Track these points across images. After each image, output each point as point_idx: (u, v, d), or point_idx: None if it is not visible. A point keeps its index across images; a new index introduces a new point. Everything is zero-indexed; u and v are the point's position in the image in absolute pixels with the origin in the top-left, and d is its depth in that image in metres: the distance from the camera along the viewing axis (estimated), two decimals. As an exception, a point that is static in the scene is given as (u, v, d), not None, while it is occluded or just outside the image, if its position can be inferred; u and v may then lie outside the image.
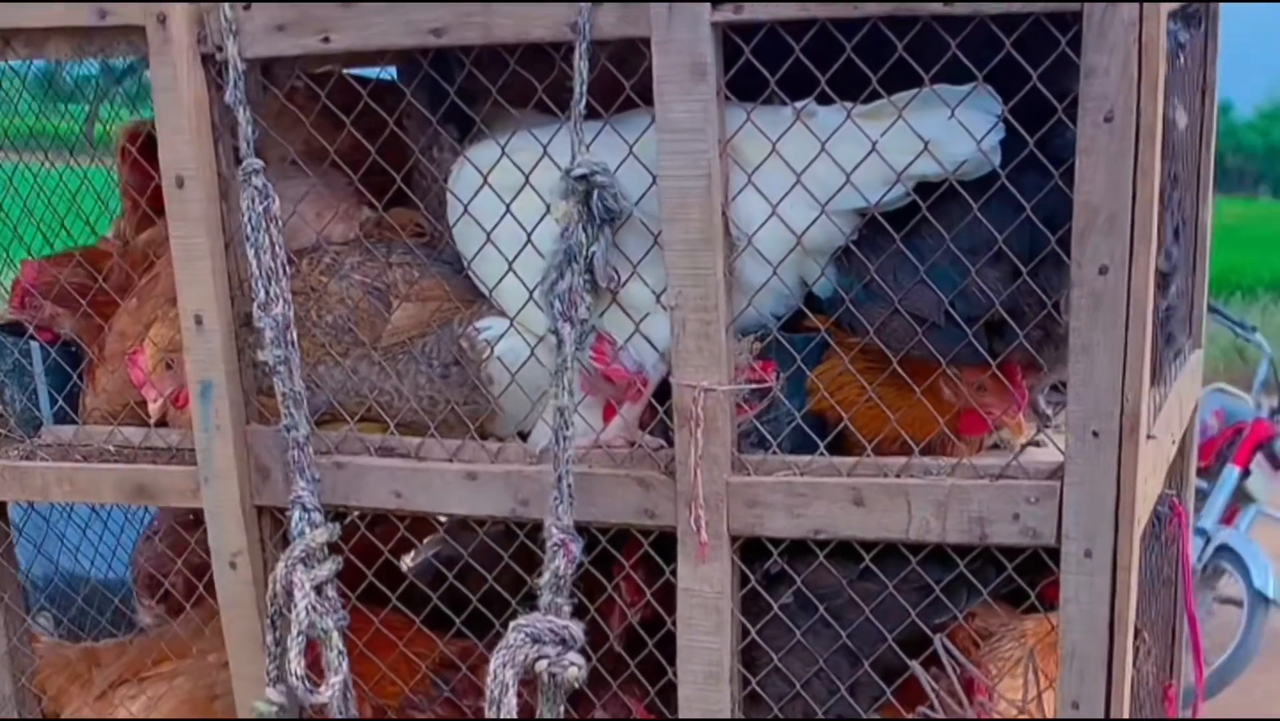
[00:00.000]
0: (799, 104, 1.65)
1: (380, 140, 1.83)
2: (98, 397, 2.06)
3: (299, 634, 1.77)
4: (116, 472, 2.00)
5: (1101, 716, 1.68)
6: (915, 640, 1.81)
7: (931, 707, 1.79)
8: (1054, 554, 1.66)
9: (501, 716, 1.67)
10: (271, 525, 1.98)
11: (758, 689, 1.83)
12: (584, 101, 1.65)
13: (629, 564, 1.95)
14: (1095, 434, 1.60)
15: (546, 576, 1.73)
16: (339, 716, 1.83)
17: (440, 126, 1.86)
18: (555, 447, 1.72)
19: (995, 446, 1.83)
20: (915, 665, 1.80)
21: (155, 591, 2.41)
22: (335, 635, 1.81)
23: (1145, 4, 1.48)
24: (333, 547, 1.88)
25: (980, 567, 1.73)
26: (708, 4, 1.59)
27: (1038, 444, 1.72)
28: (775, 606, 1.79)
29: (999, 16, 1.52)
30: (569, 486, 1.72)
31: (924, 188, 1.64)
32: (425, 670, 2.04)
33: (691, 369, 1.70)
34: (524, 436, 1.93)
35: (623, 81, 1.69)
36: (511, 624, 1.73)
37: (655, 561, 1.83)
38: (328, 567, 1.83)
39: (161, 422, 2.01)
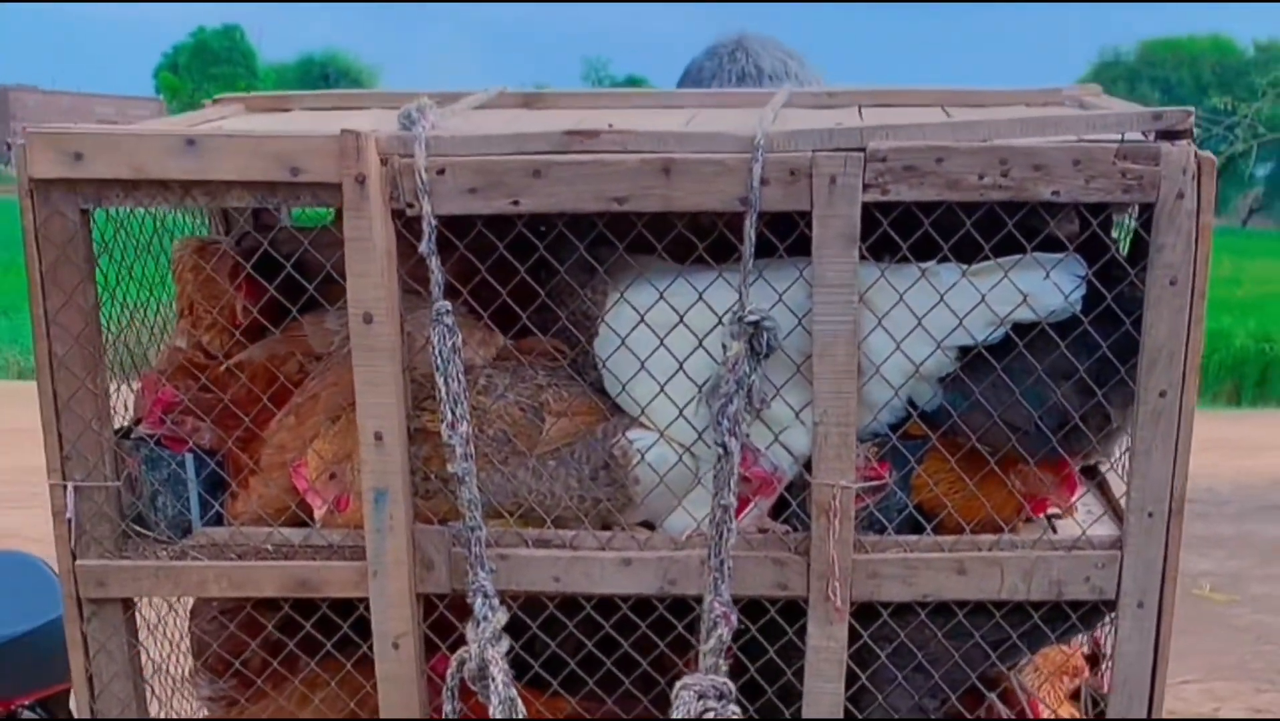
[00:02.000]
0: (924, 264, 2.16)
1: (513, 280, 2.23)
2: (249, 503, 2.37)
3: (500, 703, 2.18)
4: (278, 569, 2.31)
5: (1148, 733, 2.31)
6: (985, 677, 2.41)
7: (1005, 727, 2.39)
8: (1109, 605, 2.28)
9: (682, 768, 2.15)
10: (426, 611, 2.36)
11: (864, 721, 2.38)
12: (751, 261, 2.10)
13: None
14: (1150, 514, 2.20)
15: (711, 642, 2.18)
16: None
17: (594, 271, 2.26)
18: (715, 536, 2.18)
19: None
20: (993, 696, 2.40)
21: (224, 670, 2.70)
22: (521, 703, 2.23)
23: (1202, 199, 2.06)
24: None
25: (1047, 618, 2.33)
26: (860, 185, 2.07)
27: (1054, 527, 2.33)
28: (883, 656, 2.34)
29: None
30: (729, 569, 2.19)
31: (1018, 327, 2.19)
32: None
33: (831, 471, 2.19)
34: (649, 526, 2.39)
35: (776, 243, 2.15)
36: (679, 683, 2.19)
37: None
38: (504, 645, 2.24)
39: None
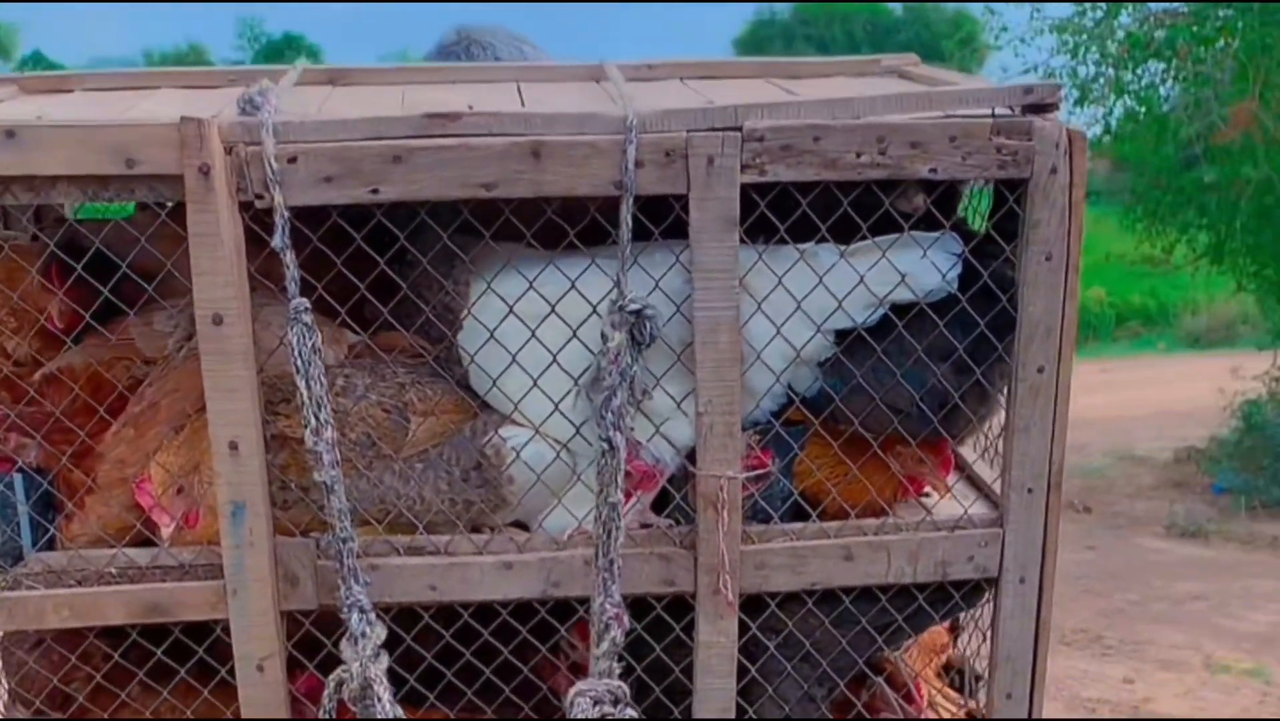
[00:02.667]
0: (803, 246, 2.14)
1: (371, 273, 2.13)
2: (86, 524, 2.21)
3: (390, 723, 2.09)
4: (125, 594, 2.16)
5: (1028, 705, 2.35)
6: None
7: (893, 711, 2.41)
8: (991, 582, 2.31)
9: (584, 774, 2.09)
10: (290, 629, 2.25)
11: (754, 715, 2.36)
12: (628, 248, 2.05)
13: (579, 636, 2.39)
14: (1030, 491, 2.23)
15: (604, 646, 2.12)
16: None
17: (457, 261, 2.18)
18: (602, 535, 2.12)
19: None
20: (879, 680, 2.41)
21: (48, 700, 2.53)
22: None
23: (1075, 174, 2.09)
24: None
25: (931, 599, 2.35)
26: (738, 167, 2.04)
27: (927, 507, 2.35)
28: (771, 648, 2.33)
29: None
30: (619, 568, 2.14)
31: (896, 307, 2.19)
32: (437, 740, 2.40)
33: (717, 462, 2.16)
34: (521, 526, 2.32)
35: (651, 227, 2.10)
36: (574, 690, 2.13)
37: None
38: (384, 662, 2.14)
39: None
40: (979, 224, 2.38)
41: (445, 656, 2.33)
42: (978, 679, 2.64)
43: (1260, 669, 8.77)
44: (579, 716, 2.11)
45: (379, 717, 2.10)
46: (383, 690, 2.10)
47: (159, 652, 2.27)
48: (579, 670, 2.36)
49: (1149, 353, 20.60)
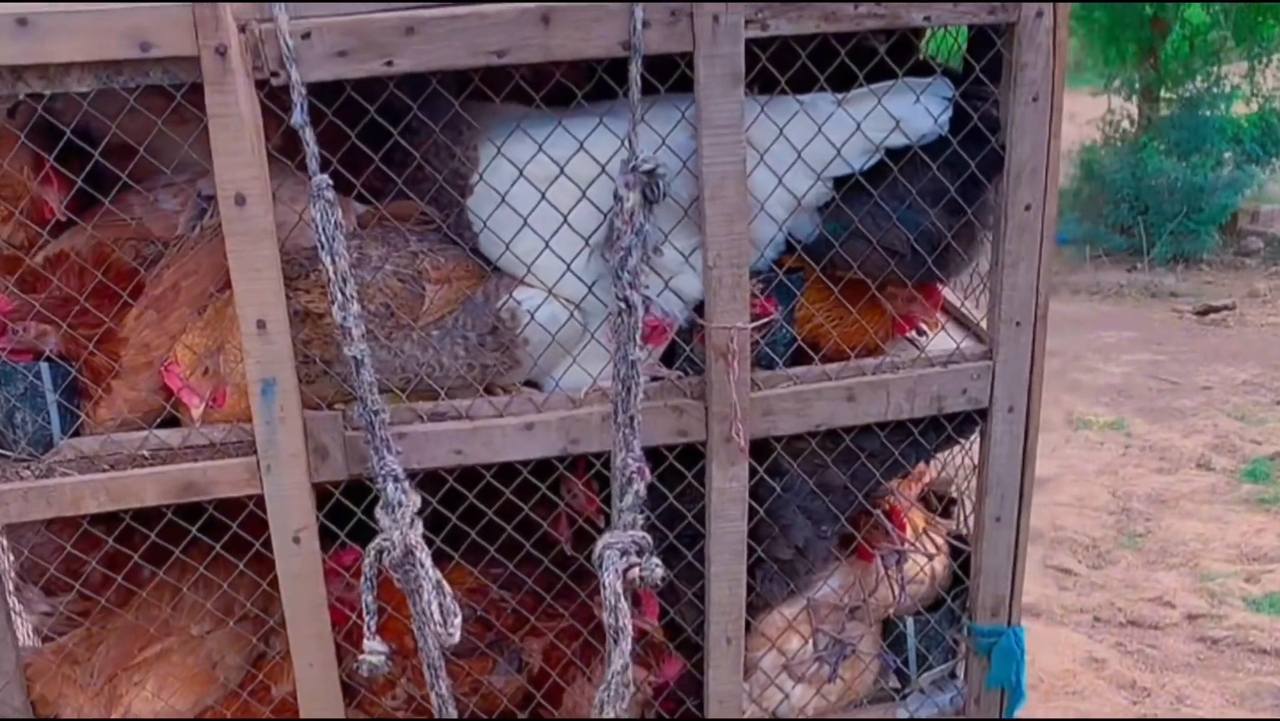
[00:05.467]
0: (803, 97, 2.35)
1: (387, 144, 2.28)
2: (114, 408, 2.35)
3: (434, 586, 2.28)
4: (159, 475, 2.32)
5: (1015, 527, 2.65)
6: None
7: (891, 542, 2.69)
8: (982, 413, 2.58)
9: (620, 621, 2.30)
10: (322, 500, 2.44)
11: (764, 555, 2.62)
12: (639, 108, 2.23)
13: (582, 481, 2.63)
14: (1018, 323, 2.49)
15: (628, 499, 2.34)
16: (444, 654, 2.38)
17: (465, 128, 2.34)
18: (622, 392, 2.33)
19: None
20: (879, 514, 2.69)
21: (50, 585, 2.70)
22: (446, 583, 2.34)
23: (1058, 16, 2.32)
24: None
25: (925, 432, 2.61)
26: (742, 23, 2.22)
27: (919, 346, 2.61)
28: (778, 489, 2.58)
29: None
30: (639, 422, 2.35)
31: (890, 153, 2.41)
32: (460, 596, 2.60)
33: (727, 314, 2.37)
34: (534, 386, 2.53)
35: (657, 85, 2.28)
36: (600, 543, 2.35)
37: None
38: (419, 528, 2.34)
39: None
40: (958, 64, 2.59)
41: (464, 517, 2.54)
42: (952, 502, 2.94)
43: (1120, 421, 9.45)
44: (608, 568, 2.33)
45: (426, 582, 2.29)
46: (424, 555, 2.29)
47: (194, 530, 2.43)
48: (586, 521, 2.60)
49: None
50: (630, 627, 2.33)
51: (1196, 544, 7.66)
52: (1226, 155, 13.07)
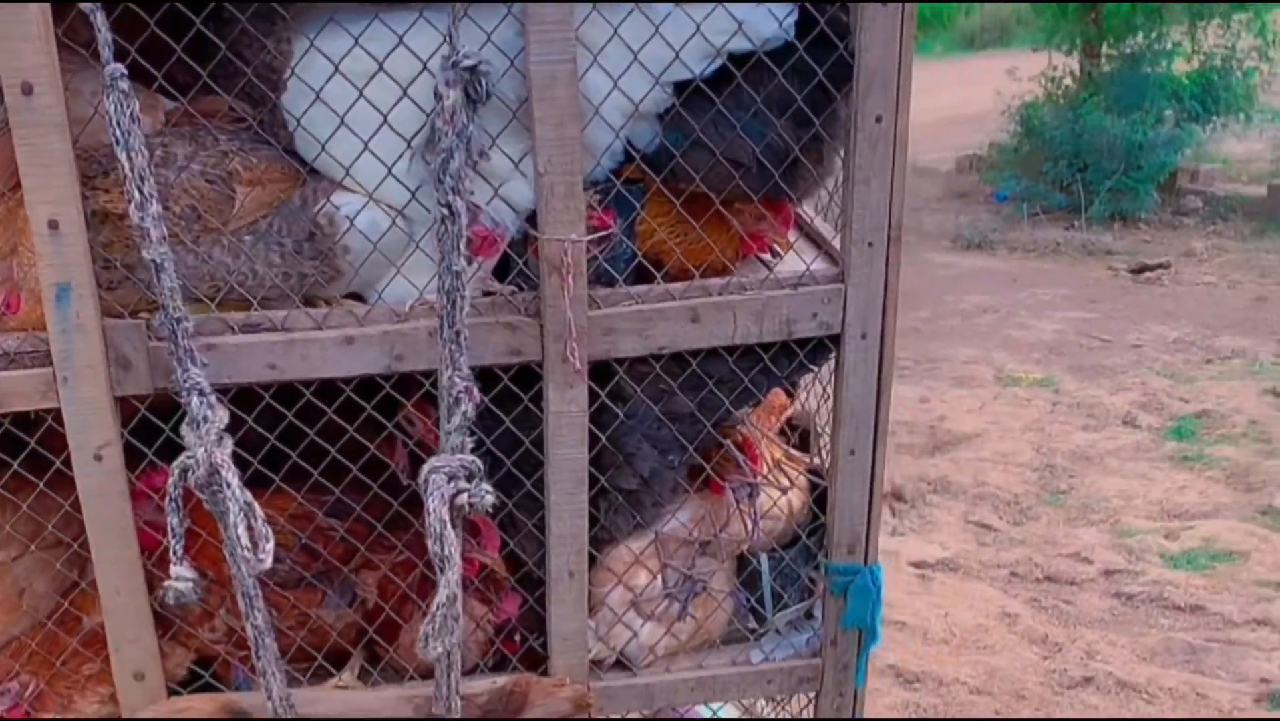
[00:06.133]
0: (637, -6, 2.23)
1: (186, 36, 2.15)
2: (-107, 320, 2.22)
3: (240, 510, 2.17)
4: (-57, 389, 2.21)
5: (871, 460, 2.56)
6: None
7: (743, 474, 2.60)
8: (834, 339, 2.49)
9: (445, 550, 2.21)
10: (126, 415, 2.31)
11: (607, 484, 2.52)
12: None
13: (410, 404, 2.51)
14: (870, 244, 2.39)
15: (455, 420, 2.23)
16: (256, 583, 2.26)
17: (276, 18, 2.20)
18: (447, 306, 2.21)
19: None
20: (729, 444, 2.59)
21: None
22: (257, 505, 2.22)
23: (910, -85, 2.21)
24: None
25: (775, 359, 2.51)
26: (571, -90, 2.10)
27: (769, 266, 2.51)
28: (621, 415, 2.47)
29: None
30: (465, 339, 2.24)
31: (734, 59, 2.29)
32: (283, 524, 2.50)
33: (560, 225, 2.26)
34: (358, 298, 2.41)
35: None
36: (426, 467, 2.24)
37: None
38: (228, 446, 2.22)
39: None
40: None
41: (285, 439, 2.42)
42: (816, 436, 2.84)
43: (1049, 379, 9.56)
44: (433, 493, 2.23)
45: (232, 504, 2.17)
46: (230, 475, 2.17)
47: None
48: (421, 446, 2.48)
49: (925, 56, 21.29)
50: (458, 557, 2.23)
51: (1118, 500, 7.72)
52: (1167, 113, 13.13)
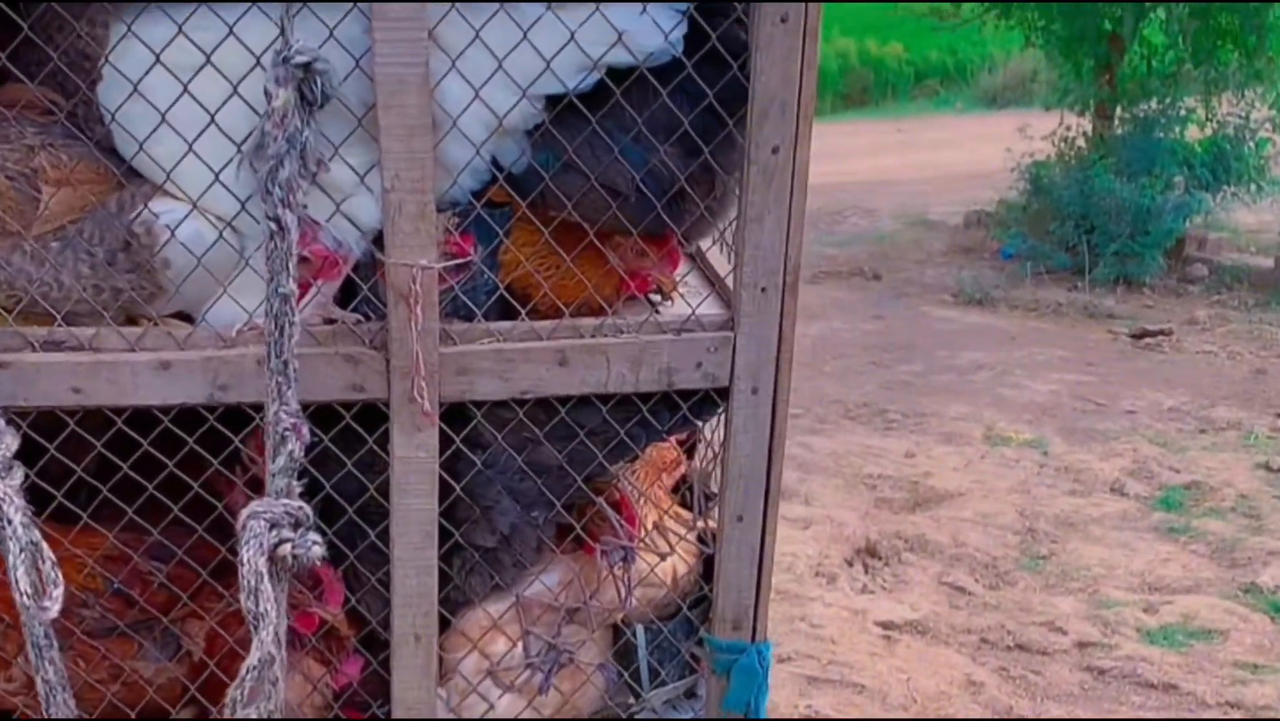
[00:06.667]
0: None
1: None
2: None
3: (22, 550, 1.88)
4: None
5: (760, 528, 2.26)
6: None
7: (615, 536, 2.30)
8: (722, 392, 2.19)
9: (261, 606, 1.92)
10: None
11: (462, 540, 2.22)
12: (293, -16, 1.83)
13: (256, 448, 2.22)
14: (763, 289, 2.11)
15: (280, 461, 1.95)
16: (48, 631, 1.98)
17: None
18: (274, 332, 1.93)
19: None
20: (601, 502, 2.29)
21: None
22: (46, 546, 1.93)
23: (810, -74, 1.93)
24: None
25: (656, 411, 2.22)
26: (417, -107, 1.82)
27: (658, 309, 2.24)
28: (479, 464, 2.18)
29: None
30: (295, 370, 1.95)
31: (615, 74, 2.01)
32: (92, 566, 2.21)
33: (408, 249, 1.98)
34: (185, 318, 2.13)
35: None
36: (246, 511, 1.95)
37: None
38: (18, 476, 1.93)
39: None
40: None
41: (108, 470, 2.14)
42: (709, 498, 2.54)
43: (1039, 440, 9.23)
44: (251, 539, 1.94)
45: (13, 544, 1.90)
46: (13, 510, 1.90)
47: None
48: (259, 486, 2.19)
49: (946, 112, 21.06)
50: (274, 615, 1.94)
51: (1099, 569, 7.38)
52: (1177, 179, 12.80)
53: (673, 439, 2.56)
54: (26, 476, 1.98)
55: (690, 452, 2.64)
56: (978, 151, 17.07)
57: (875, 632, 6.60)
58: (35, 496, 2.03)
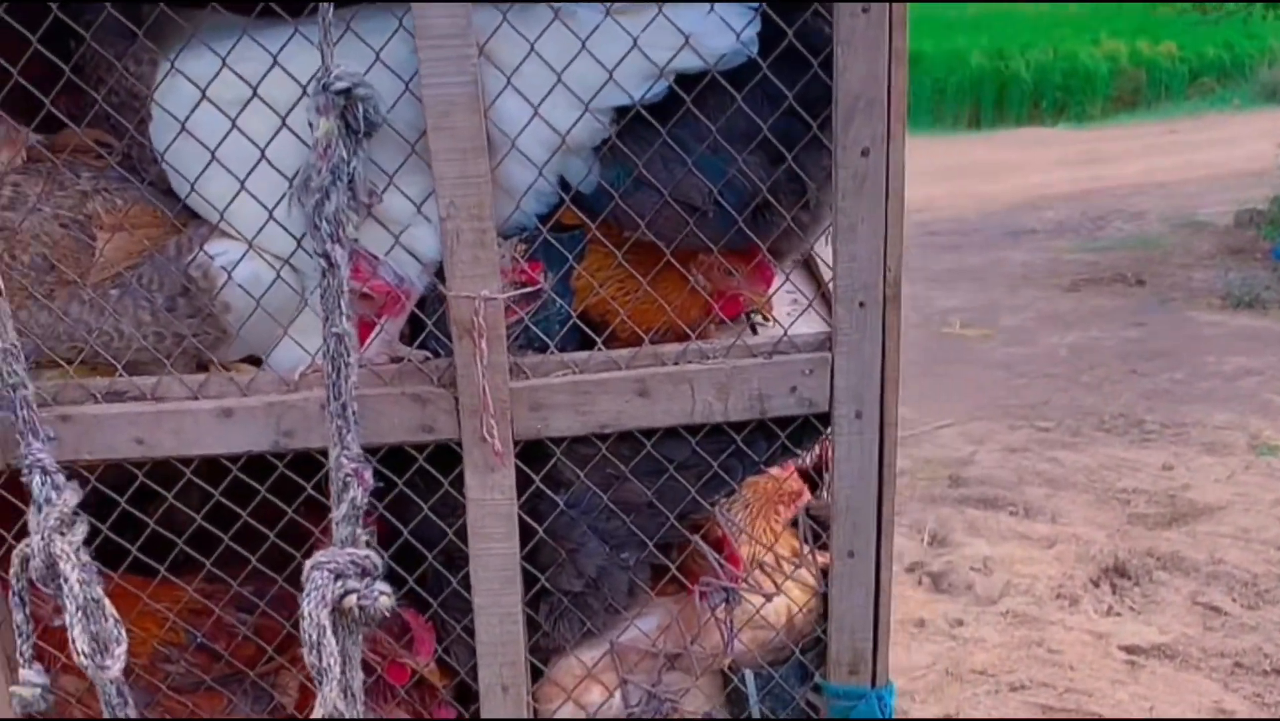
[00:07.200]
0: (555, 4, 1.78)
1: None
2: None
3: (78, 609, 1.80)
4: None
5: (874, 563, 2.05)
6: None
7: (716, 576, 2.11)
8: (824, 418, 1.99)
9: (324, 661, 1.79)
10: (-14, 495, 1.96)
11: (548, 585, 2.07)
12: (330, 9, 1.69)
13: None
14: (861, 304, 1.90)
15: (344, 509, 1.82)
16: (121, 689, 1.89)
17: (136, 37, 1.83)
18: (333, 375, 1.80)
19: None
20: (697, 540, 2.10)
21: None
22: (108, 603, 1.84)
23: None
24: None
25: (750, 440, 2.02)
26: (460, -96, 1.67)
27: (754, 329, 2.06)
28: (561, 504, 2.02)
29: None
30: (354, 413, 1.82)
31: (685, 80, 1.83)
32: (174, 620, 2.11)
33: (469, 279, 1.83)
34: (257, 362, 2.01)
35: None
36: (310, 562, 1.83)
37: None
38: (80, 531, 1.84)
39: None
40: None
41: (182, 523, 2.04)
42: (816, 533, 2.31)
43: None
44: (313, 591, 1.81)
45: (70, 601, 1.80)
46: (69, 568, 1.80)
47: None
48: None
49: (1222, 110, 20.04)
50: (336, 668, 1.81)
51: (1373, 590, 6.76)
52: None
53: (792, 467, 2.35)
54: (96, 531, 1.89)
55: (815, 483, 2.42)
56: (1254, 148, 16.13)
57: (1119, 658, 6.10)
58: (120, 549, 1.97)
